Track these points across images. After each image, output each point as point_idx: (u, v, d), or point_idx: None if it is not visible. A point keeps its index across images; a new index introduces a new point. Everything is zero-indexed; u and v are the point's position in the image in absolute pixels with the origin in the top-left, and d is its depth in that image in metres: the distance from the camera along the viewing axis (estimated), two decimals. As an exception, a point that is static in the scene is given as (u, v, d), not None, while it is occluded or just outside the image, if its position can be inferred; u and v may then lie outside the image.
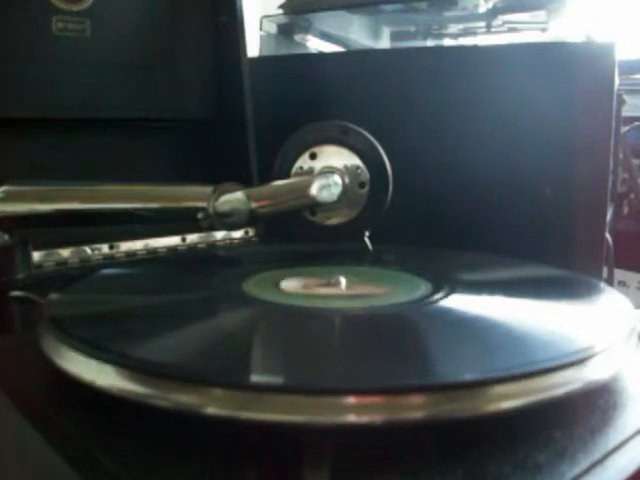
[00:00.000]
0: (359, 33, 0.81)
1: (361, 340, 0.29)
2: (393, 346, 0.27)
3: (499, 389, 0.22)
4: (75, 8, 0.51)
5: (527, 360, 0.24)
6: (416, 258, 0.45)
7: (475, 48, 0.72)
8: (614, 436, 0.24)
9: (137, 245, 0.53)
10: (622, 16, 0.92)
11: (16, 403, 0.27)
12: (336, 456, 0.21)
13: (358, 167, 0.45)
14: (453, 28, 0.82)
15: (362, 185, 0.45)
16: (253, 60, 0.62)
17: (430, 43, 0.83)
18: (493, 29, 0.77)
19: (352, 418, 0.21)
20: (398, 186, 0.45)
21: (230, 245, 0.59)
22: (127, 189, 0.45)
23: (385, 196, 0.45)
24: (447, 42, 0.84)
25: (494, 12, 0.74)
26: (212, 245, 0.57)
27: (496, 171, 0.54)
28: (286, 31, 0.79)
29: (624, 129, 0.83)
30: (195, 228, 0.49)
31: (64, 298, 0.34)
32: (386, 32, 0.84)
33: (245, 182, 0.45)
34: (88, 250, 0.50)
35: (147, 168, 0.58)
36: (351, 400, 0.21)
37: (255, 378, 0.24)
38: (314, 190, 0.42)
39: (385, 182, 0.45)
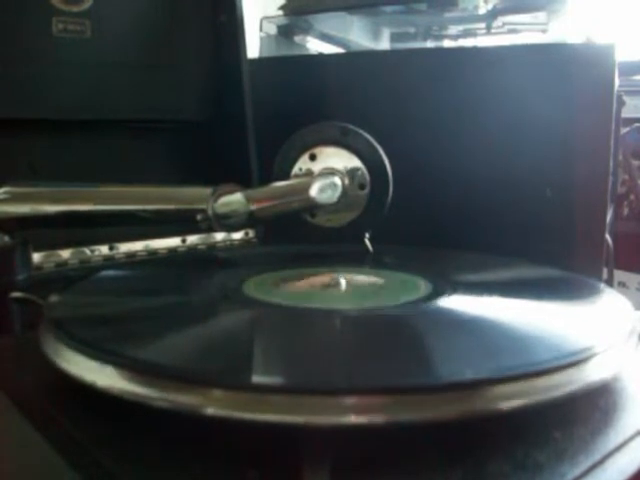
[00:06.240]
0: (359, 34, 0.81)
1: (361, 340, 0.29)
2: (393, 346, 0.27)
3: (499, 389, 0.22)
4: (75, 9, 0.51)
5: (527, 360, 0.24)
6: (416, 259, 0.45)
7: (475, 49, 0.72)
8: (614, 436, 0.24)
9: (137, 246, 0.53)
10: (622, 17, 0.92)
11: (16, 403, 0.27)
12: (336, 456, 0.21)
13: (358, 168, 0.44)
14: (453, 29, 0.82)
15: (362, 187, 0.45)
16: (253, 61, 0.62)
17: (430, 44, 0.83)
18: (493, 30, 0.77)
19: (352, 418, 0.21)
20: (398, 187, 0.45)
21: (230, 246, 0.59)
22: (126, 190, 0.45)
23: (385, 197, 0.45)
24: (447, 43, 0.84)
25: (494, 13, 0.74)
26: (212, 246, 0.57)
27: (496, 172, 0.54)
28: (286, 32, 0.79)
29: (624, 130, 0.83)
30: (195, 229, 0.49)
31: (64, 299, 0.34)
32: (386, 33, 0.84)
33: (245, 183, 0.45)
34: (88, 251, 0.50)
35: (147, 169, 0.58)
36: (351, 400, 0.21)
37: (255, 379, 0.24)
38: (314, 192, 0.42)
39: (385, 183, 0.45)
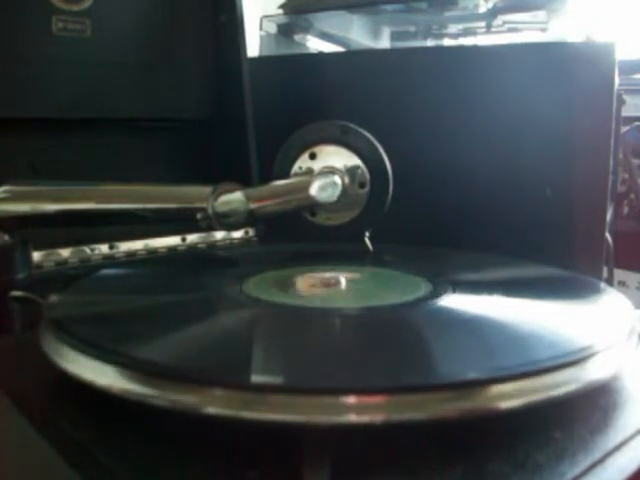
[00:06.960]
0: (359, 33, 0.81)
1: (361, 340, 0.29)
2: (393, 346, 0.27)
3: (499, 389, 0.22)
4: (75, 8, 0.51)
5: (527, 360, 0.24)
6: (416, 258, 0.45)
7: (475, 48, 0.72)
8: (614, 436, 0.24)
9: (137, 245, 0.53)
10: (622, 16, 0.92)
11: (16, 403, 0.27)
12: (336, 456, 0.21)
13: (358, 167, 0.44)
14: (453, 28, 0.81)
15: (362, 185, 0.45)
16: (253, 60, 0.62)
17: (430, 43, 0.83)
18: (493, 29, 0.77)
19: (352, 418, 0.21)
20: (398, 186, 0.45)
21: (230, 245, 0.59)
22: (127, 189, 0.45)
23: (385, 196, 0.45)
24: (447, 42, 0.84)
25: (494, 12, 0.74)
26: (212, 245, 0.57)
27: (496, 171, 0.54)
28: (286, 31, 0.79)
29: (624, 129, 0.84)
30: (195, 228, 0.49)
31: (64, 298, 0.34)
32: (386, 32, 0.84)
33: (244, 182, 0.45)
34: (88, 250, 0.50)
35: (147, 168, 0.58)
36: (351, 400, 0.21)
37: (255, 378, 0.24)
38: (314, 190, 0.42)
39: (385, 182, 0.45)
